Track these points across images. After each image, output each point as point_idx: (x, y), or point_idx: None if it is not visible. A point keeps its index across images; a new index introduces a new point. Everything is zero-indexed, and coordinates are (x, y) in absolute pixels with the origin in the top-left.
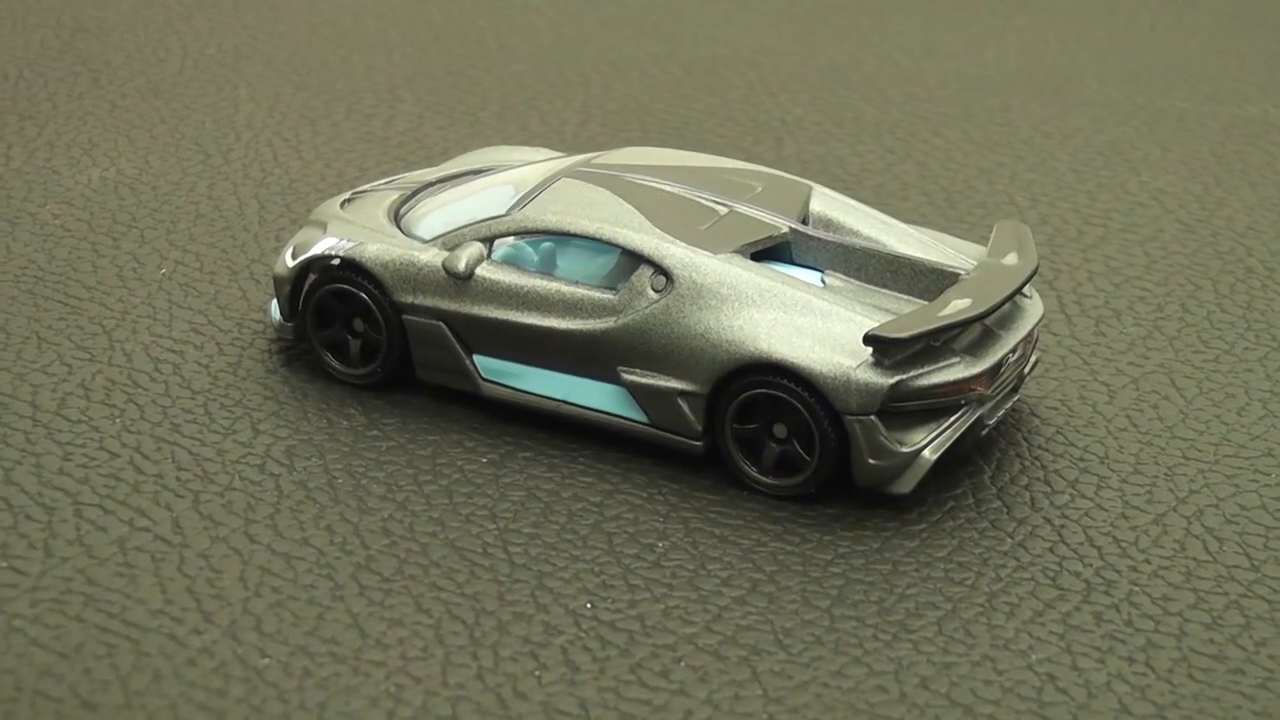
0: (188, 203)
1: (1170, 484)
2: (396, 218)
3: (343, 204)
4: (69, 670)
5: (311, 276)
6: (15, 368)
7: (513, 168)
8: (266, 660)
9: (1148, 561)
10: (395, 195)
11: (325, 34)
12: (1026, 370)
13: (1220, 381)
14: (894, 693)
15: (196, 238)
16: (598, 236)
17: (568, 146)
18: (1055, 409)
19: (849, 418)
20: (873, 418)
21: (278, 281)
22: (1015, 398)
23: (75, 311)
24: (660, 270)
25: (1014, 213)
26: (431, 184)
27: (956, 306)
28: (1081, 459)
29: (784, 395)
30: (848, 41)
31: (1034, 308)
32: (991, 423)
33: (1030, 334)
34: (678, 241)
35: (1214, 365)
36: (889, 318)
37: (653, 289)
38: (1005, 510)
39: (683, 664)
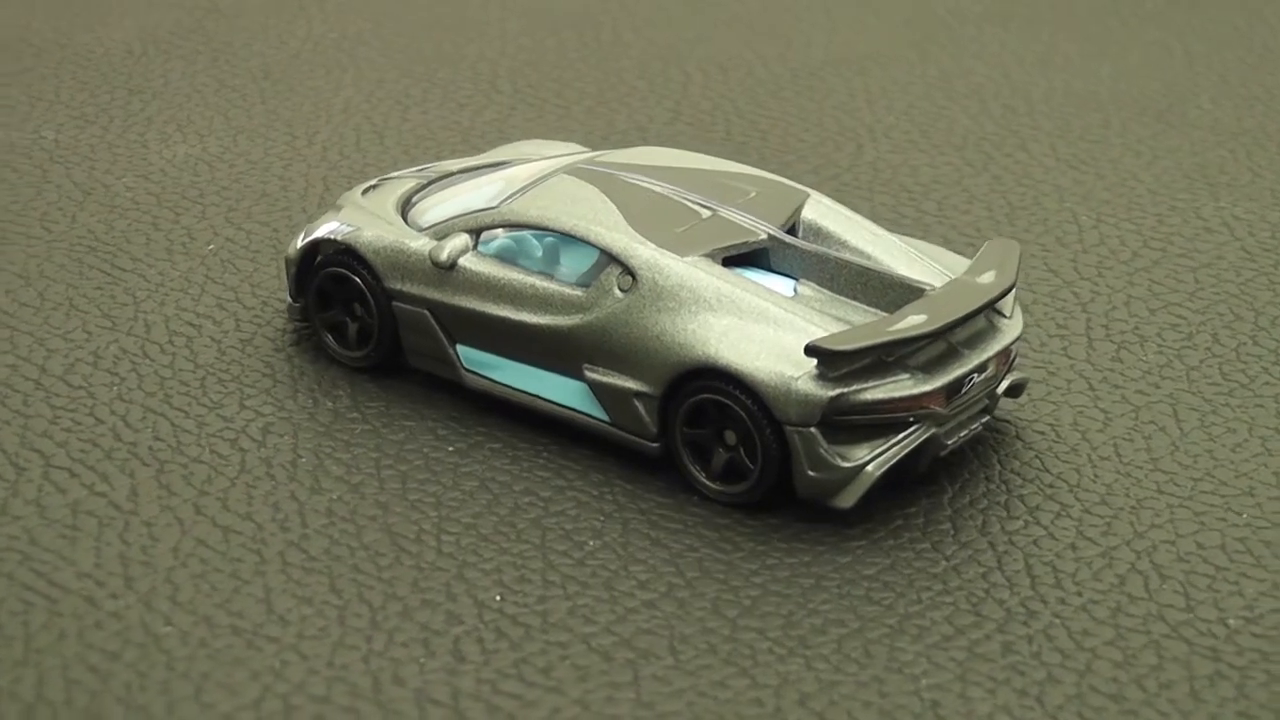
0: (258, 182)
1: (1133, 517)
2: (407, 206)
3: (365, 190)
4: None
5: (319, 259)
6: (39, 332)
7: (527, 162)
8: (168, 628)
9: (1079, 594)
10: (411, 184)
11: (448, 23)
12: (1000, 390)
13: (1226, 415)
14: (769, 707)
15: (254, 216)
16: (572, 233)
17: (649, 144)
18: (1042, 433)
19: (789, 428)
20: (813, 430)
21: (287, 263)
22: (985, 418)
23: (114, 281)
24: (627, 270)
25: (1073, 231)
26: (451, 174)
27: (909, 322)
28: (1051, 485)
29: (729, 402)
30: (964, 51)
31: (1010, 327)
32: (951, 443)
33: (1005, 353)
34: (647, 242)
35: (1225, 399)
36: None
37: (619, 288)
38: (952, 532)
39: (567, 662)
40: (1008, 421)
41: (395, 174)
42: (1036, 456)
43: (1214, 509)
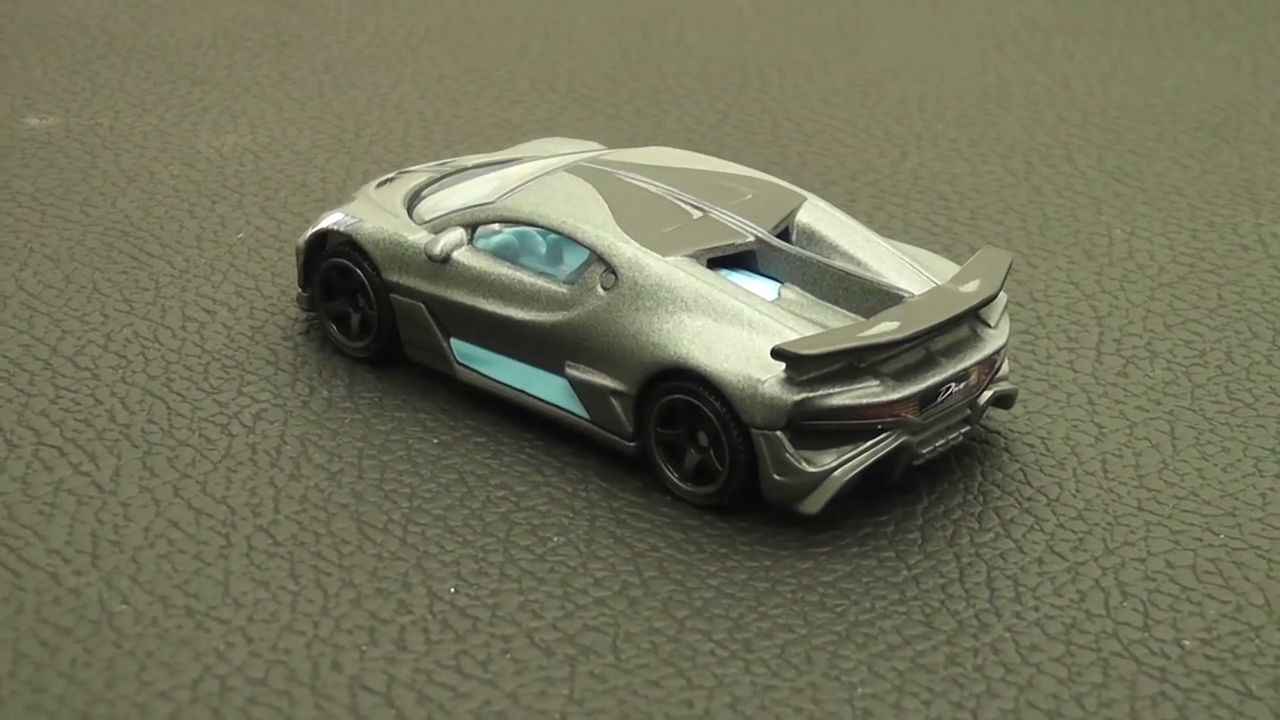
0: (298, 173)
1: (1107, 534)
2: (415, 200)
3: (380, 183)
4: None
5: (326, 249)
6: (57, 314)
7: (536, 159)
8: (124, 607)
9: (1036, 609)
10: (424, 178)
11: (517, 21)
12: (984, 400)
13: (1223, 434)
14: (699, 709)
15: (288, 206)
16: (560, 229)
17: (694, 146)
18: (1032, 445)
19: (755, 431)
20: (778, 433)
21: (296, 252)
22: (966, 428)
23: (140, 266)
24: (610, 268)
25: (1103, 244)
26: (465, 170)
27: (880, 329)
28: (1030, 499)
29: (698, 403)
30: (1028, 60)
31: (993, 337)
32: (926, 452)
33: (989, 363)
34: (631, 241)
35: (1226, 417)
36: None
37: (602, 286)
38: (919, 542)
39: (507, 656)
40: (998, 433)
41: (413, 168)
42: (1021, 469)
43: (1191, 528)
